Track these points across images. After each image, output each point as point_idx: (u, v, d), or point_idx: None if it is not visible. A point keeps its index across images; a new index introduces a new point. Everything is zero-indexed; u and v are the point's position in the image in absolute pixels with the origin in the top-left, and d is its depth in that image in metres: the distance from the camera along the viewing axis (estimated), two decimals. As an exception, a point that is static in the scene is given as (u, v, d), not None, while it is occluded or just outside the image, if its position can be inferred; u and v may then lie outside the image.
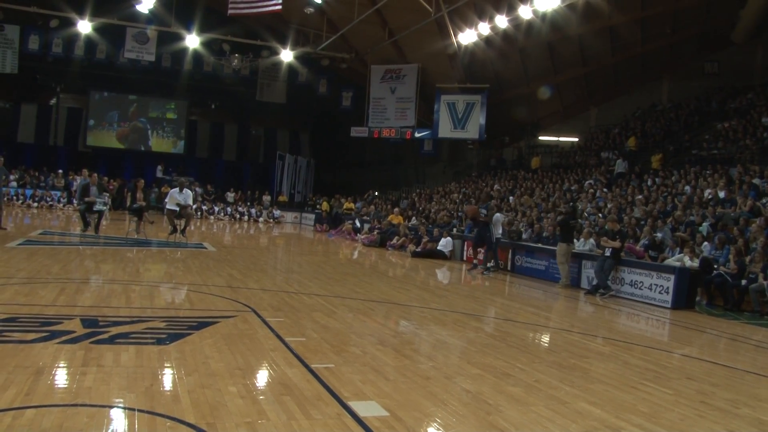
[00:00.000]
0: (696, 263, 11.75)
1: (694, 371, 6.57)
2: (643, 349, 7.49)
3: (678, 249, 12.37)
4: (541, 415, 4.61)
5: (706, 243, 12.58)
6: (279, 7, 22.34)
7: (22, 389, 4.28)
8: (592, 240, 13.93)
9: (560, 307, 11.16)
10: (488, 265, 15.13)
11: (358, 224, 24.86)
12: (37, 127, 35.48)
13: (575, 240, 14.22)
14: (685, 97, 25.24)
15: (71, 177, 30.40)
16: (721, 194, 15.43)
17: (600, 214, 16.58)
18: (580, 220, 16.09)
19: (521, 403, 4.86)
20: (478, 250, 15.49)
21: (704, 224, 13.75)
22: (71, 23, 27.56)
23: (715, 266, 11.68)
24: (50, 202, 28.54)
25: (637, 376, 6.03)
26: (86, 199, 16.22)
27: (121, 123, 36.59)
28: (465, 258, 16.95)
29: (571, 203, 15.91)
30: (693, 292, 11.57)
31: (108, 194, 17.83)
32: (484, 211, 15.24)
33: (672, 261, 12.06)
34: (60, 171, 31.02)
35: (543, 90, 27.49)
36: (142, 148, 37.10)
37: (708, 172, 17.46)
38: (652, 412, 4.88)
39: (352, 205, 29.82)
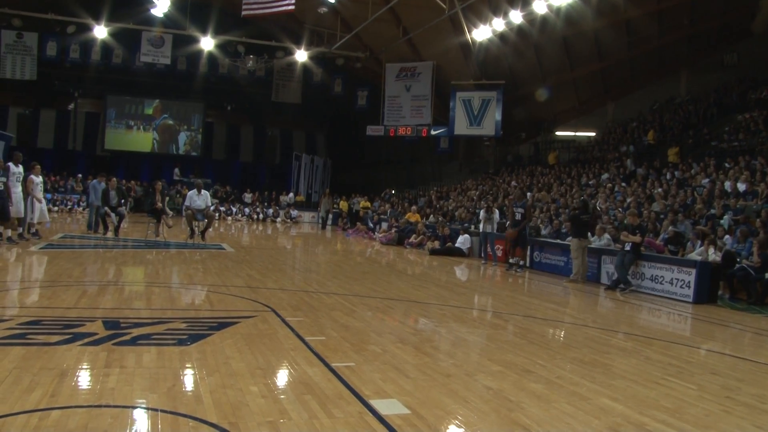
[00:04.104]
0: (718, 257, 11.61)
1: (718, 366, 6.49)
2: (665, 344, 7.41)
3: (699, 242, 12.24)
4: (564, 412, 4.58)
5: (727, 236, 12.43)
6: (292, 6, 22.41)
7: (47, 391, 4.32)
8: (607, 235, 13.82)
9: (580, 303, 11.08)
10: (520, 262, 15.08)
11: (371, 224, 24.83)
12: (56, 132, 35.98)
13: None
14: (704, 89, 24.95)
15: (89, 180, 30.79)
16: (742, 186, 15.24)
17: (619, 209, 16.45)
18: (600, 214, 15.96)
19: (543, 400, 4.83)
20: (517, 248, 15.34)
21: (725, 217, 13.59)
22: (88, 29, 27.91)
23: (738, 259, 11.53)
24: (69, 206, 28.84)
25: (660, 371, 5.96)
26: (106, 208, 16.48)
27: (143, 125, 37.16)
28: (487, 257, 16.80)
29: (582, 198, 15.74)
30: (715, 286, 11.42)
31: (129, 198, 18.13)
32: (521, 210, 15.06)
33: (694, 255, 11.93)
34: (79, 175, 31.36)
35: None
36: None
37: (728, 165, 17.24)
38: (676, 408, 4.83)
39: (368, 204, 29.81)
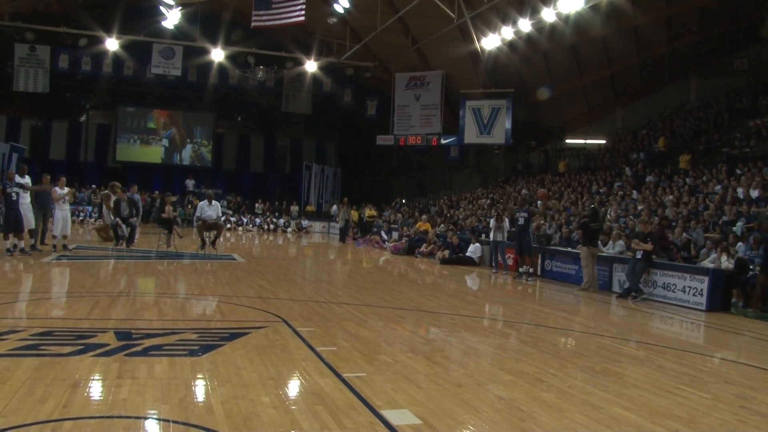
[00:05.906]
0: (731, 264, 11.52)
1: (731, 375, 6.44)
2: (678, 353, 7.36)
3: (714, 250, 12.15)
4: (576, 421, 4.55)
5: (740, 243, 12.33)
6: (302, 18, 22.50)
7: (60, 401, 4.34)
8: (621, 242, 13.74)
9: (592, 311, 11.03)
10: (530, 271, 14.97)
11: (383, 235, 24.76)
12: (68, 143, 36.31)
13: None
14: (714, 94, 24.81)
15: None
16: (755, 193, 15.13)
17: (631, 217, 16.36)
18: (609, 223, 15.88)
19: (555, 409, 4.80)
20: (525, 257, 15.19)
21: (738, 224, 13.49)
22: (99, 41, 28.20)
23: (751, 267, 11.42)
24: (82, 217, 28.97)
25: (673, 380, 5.92)
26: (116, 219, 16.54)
27: (154, 136, 37.47)
28: (498, 266, 16.71)
29: (592, 206, 15.65)
30: (728, 294, 11.32)
31: (139, 210, 18.30)
32: (524, 215, 14.95)
33: (707, 263, 11.85)
34: (93, 186, 31.53)
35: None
36: (176, 162, 37.86)
37: (740, 171, 17.12)
38: (690, 417, 4.79)
39: (374, 213, 29.71)
